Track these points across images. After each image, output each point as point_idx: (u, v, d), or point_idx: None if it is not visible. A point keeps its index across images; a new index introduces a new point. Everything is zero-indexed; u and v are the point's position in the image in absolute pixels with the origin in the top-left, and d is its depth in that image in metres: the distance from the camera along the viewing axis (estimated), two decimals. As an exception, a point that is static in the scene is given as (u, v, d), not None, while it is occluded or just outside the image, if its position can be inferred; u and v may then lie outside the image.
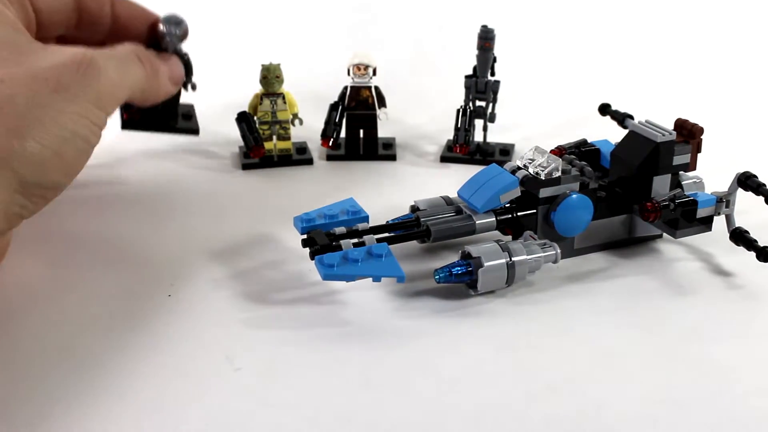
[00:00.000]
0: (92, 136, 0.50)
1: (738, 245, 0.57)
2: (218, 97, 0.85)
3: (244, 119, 0.70)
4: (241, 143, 0.72)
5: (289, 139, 0.72)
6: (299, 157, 0.74)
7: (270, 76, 0.70)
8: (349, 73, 0.73)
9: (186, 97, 0.66)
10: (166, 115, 0.66)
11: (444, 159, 0.75)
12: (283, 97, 0.71)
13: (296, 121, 0.73)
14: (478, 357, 0.49)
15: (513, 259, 0.53)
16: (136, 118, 0.65)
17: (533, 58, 0.97)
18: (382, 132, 0.76)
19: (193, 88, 0.65)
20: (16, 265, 0.57)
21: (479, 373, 0.47)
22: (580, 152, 0.63)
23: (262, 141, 0.71)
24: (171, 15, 0.61)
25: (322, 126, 0.74)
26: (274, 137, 0.72)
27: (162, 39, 0.60)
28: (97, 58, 0.51)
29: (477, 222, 0.56)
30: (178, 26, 0.61)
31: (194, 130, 0.69)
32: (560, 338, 0.50)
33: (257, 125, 0.71)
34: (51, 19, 0.57)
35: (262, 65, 0.70)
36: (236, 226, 0.62)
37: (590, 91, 0.84)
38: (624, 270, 0.58)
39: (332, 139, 0.73)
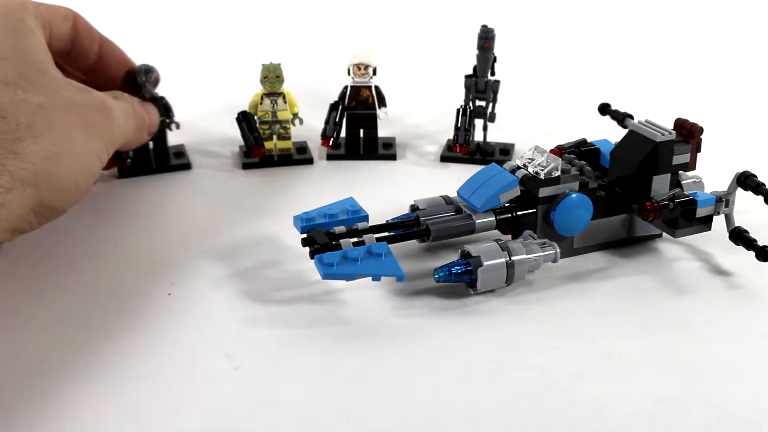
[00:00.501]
0: (98, 173, 0.56)
1: (737, 245, 0.57)
2: (218, 96, 0.85)
3: (244, 119, 0.71)
4: (242, 143, 0.72)
5: (289, 138, 0.73)
6: (299, 156, 0.74)
7: (270, 76, 0.70)
8: (349, 73, 0.73)
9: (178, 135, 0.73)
10: (159, 157, 0.72)
11: (444, 159, 0.75)
12: (284, 97, 0.71)
13: (296, 121, 0.73)
14: (478, 356, 0.49)
15: (512, 258, 0.53)
16: (128, 167, 0.71)
17: (533, 58, 0.97)
18: (382, 132, 0.76)
19: (177, 126, 0.71)
20: (15, 263, 0.57)
21: (479, 372, 0.48)
22: (580, 152, 0.63)
23: (263, 140, 0.71)
24: (143, 65, 0.68)
25: (322, 126, 0.74)
26: (275, 137, 0.72)
27: (141, 88, 0.67)
28: (113, 107, 0.58)
29: (476, 221, 0.56)
30: (150, 74, 0.68)
31: (187, 165, 0.73)
32: (559, 337, 0.51)
33: (257, 125, 0.71)
34: (53, 46, 0.59)
35: (263, 65, 0.70)
36: (236, 226, 0.62)
37: (590, 90, 0.84)
38: (623, 269, 0.58)
39: (332, 139, 0.73)
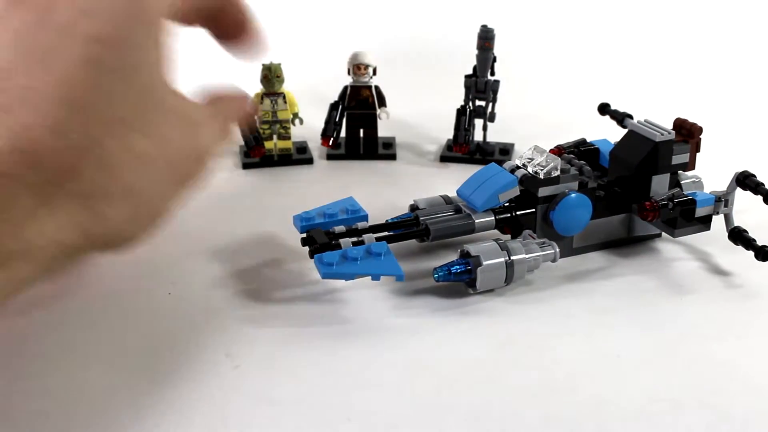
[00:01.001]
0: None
1: (736, 244, 0.57)
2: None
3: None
4: (242, 142, 0.72)
5: (289, 138, 0.73)
6: (299, 156, 0.74)
7: (271, 76, 0.71)
8: (349, 73, 0.73)
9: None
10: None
11: (444, 158, 0.75)
12: (284, 97, 0.71)
13: (296, 121, 0.73)
14: (477, 356, 0.49)
15: (512, 258, 0.53)
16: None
17: (533, 58, 0.97)
18: (382, 131, 0.76)
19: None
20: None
21: (478, 372, 0.48)
22: (579, 151, 0.63)
23: (263, 140, 0.71)
24: None
25: (322, 125, 0.74)
26: (275, 137, 0.73)
27: None
28: (208, 156, 0.51)
29: (476, 221, 0.56)
30: None
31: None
32: (559, 337, 0.51)
33: (258, 124, 0.71)
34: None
35: (263, 65, 0.71)
36: (236, 225, 0.62)
37: (590, 90, 0.84)
38: (623, 269, 0.58)
39: (332, 139, 0.73)
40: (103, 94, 0.44)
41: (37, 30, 0.45)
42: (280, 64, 0.71)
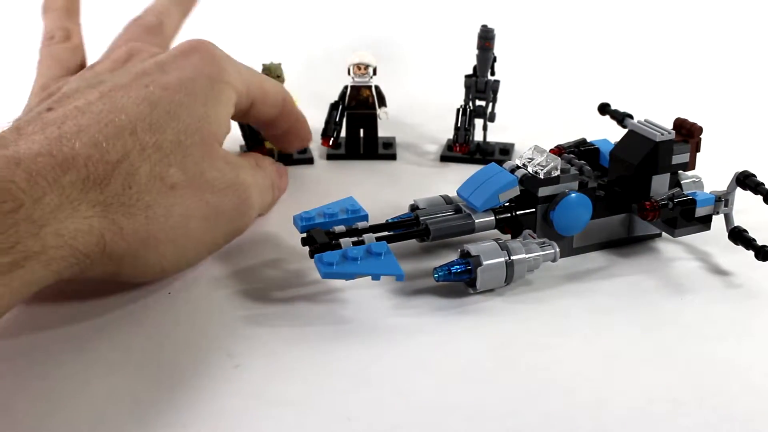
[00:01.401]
0: (198, 262, 0.55)
1: (737, 244, 0.57)
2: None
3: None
4: (242, 142, 0.72)
5: None
6: (300, 156, 0.74)
7: (271, 76, 0.70)
8: (349, 73, 0.73)
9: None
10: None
11: (444, 158, 0.75)
12: None
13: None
14: (477, 355, 0.49)
15: (512, 257, 0.53)
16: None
17: (533, 58, 0.97)
18: (382, 131, 0.76)
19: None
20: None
21: (478, 372, 0.48)
22: (580, 151, 0.63)
23: (263, 140, 0.71)
24: None
25: (322, 126, 0.74)
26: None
27: None
28: (253, 196, 0.56)
29: (476, 221, 0.56)
30: None
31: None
32: (559, 337, 0.51)
33: None
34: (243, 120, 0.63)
35: (263, 65, 0.70)
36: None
37: (590, 90, 0.84)
38: (623, 269, 0.58)
39: (333, 139, 0.73)
40: (149, 125, 0.49)
41: (116, 72, 0.53)
42: (280, 64, 0.70)
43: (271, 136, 0.66)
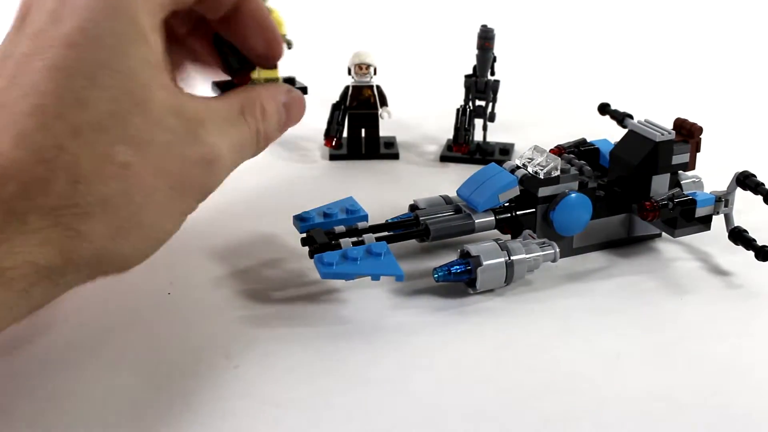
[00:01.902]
0: (176, 230, 0.45)
1: (737, 244, 0.57)
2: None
3: (225, 40, 0.52)
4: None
5: (276, 67, 0.55)
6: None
7: None
8: (350, 73, 0.73)
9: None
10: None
11: (444, 158, 0.75)
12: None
13: (285, 46, 0.54)
14: (477, 356, 0.49)
15: (512, 258, 0.53)
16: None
17: (533, 58, 0.97)
18: (382, 131, 0.76)
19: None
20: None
21: (478, 372, 0.48)
22: (579, 151, 0.63)
23: (246, 61, 0.52)
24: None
25: (324, 126, 0.74)
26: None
27: None
28: (222, 152, 0.45)
29: (476, 221, 0.56)
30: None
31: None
32: (559, 337, 0.51)
33: None
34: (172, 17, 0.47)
35: None
36: (236, 225, 0.62)
37: (590, 90, 0.84)
38: (623, 269, 0.58)
39: (335, 139, 0.73)
40: (74, 100, 0.40)
41: (13, 41, 0.43)
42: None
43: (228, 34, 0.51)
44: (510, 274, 0.53)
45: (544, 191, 0.56)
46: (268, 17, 0.51)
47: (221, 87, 0.54)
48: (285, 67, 0.72)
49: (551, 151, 0.61)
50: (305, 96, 0.54)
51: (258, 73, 0.55)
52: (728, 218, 0.58)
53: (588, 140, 0.64)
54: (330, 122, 0.74)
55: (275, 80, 0.56)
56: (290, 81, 0.55)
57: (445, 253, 0.59)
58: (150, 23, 0.43)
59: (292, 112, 0.52)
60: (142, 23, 0.42)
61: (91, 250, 0.41)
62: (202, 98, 0.46)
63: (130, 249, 0.43)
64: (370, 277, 0.52)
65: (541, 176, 0.56)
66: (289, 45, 0.61)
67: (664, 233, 0.60)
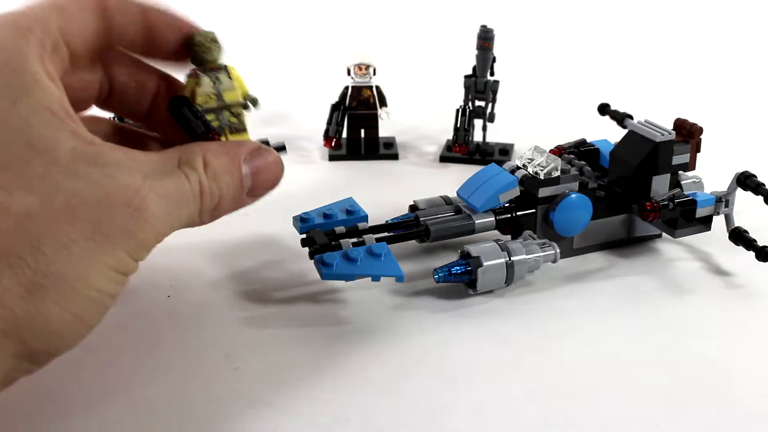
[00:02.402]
0: (119, 290, 0.40)
1: (737, 245, 0.57)
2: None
3: (183, 104, 0.48)
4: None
5: (245, 130, 0.51)
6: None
7: (205, 41, 0.48)
8: (349, 73, 0.73)
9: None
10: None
11: (443, 159, 0.75)
12: (227, 72, 0.50)
13: (251, 105, 0.51)
14: (477, 356, 0.49)
15: (512, 258, 0.53)
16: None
17: (533, 58, 0.97)
18: (382, 132, 0.76)
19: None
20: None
21: (478, 373, 0.47)
22: (580, 152, 0.63)
23: (211, 124, 0.49)
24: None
25: (323, 127, 0.74)
26: (225, 130, 0.50)
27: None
28: (150, 200, 0.40)
29: (476, 221, 0.56)
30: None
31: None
32: (559, 338, 0.50)
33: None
34: (80, 46, 0.44)
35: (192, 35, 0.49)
36: (235, 226, 0.62)
37: (590, 90, 0.84)
38: (623, 270, 0.58)
39: (335, 140, 0.73)
40: None
41: None
42: (213, 32, 0.49)
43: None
44: (510, 274, 0.53)
45: (544, 192, 0.56)
46: (173, 13, 0.48)
47: None
48: (286, 66, 0.72)
49: (551, 151, 0.61)
50: (284, 154, 0.51)
51: (226, 138, 0.50)
52: (728, 219, 0.58)
53: (588, 140, 0.64)
54: (329, 123, 0.74)
55: None
56: (264, 143, 0.51)
57: (445, 253, 0.59)
58: (46, 70, 0.40)
59: (262, 175, 0.47)
60: (36, 71, 0.40)
61: (7, 316, 0.36)
62: (130, 150, 0.42)
63: (54, 309, 0.38)
64: (370, 278, 0.52)
65: (541, 177, 0.56)
66: (254, 103, 0.51)
67: (664, 234, 0.60)
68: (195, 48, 0.48)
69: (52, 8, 0.42)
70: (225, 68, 0.49)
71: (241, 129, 0.51)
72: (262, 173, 0.47)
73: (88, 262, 0.38)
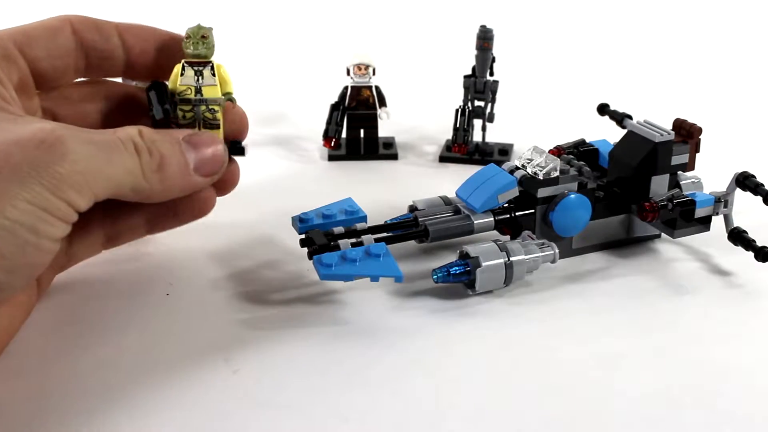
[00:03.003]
0: (45, 227, 0.41)
1: (736, 245, 0.57)
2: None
3: (154, 87, 0.51)
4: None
5: (218, 127, 0.52)
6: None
7: (194, 37, 0.51)
8: (348, 73, 0.73)
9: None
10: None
11: (443, 159, 0.75)
12: (213, 68, 0.51)
13: (227, 101, 0.52)
14: (477, 357, 0.49)
15: (511, 259, 0.53)
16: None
17: (532, 59, 0.97)
18: (381, 132, 0.76)
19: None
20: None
21: (477, 373, 0.47)
22: (579, 152, 0.63)
23: (171, 114, 0.51)
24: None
25: (323, 127, 0.74)
26: (199, 123, 0.52)
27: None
28: (68, 138, 0.42)
29: (475, 222, 0.56)
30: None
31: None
32: (558, 338, 0.50)
33: (178, 105, 0.51)
34: (54, 66, 0.49)
35: (189, 27, 0.52)
36: (235, 226, 0.62)
37: (589, 91, 0.84)
38: (622, 270, 0.58)
39: (334, 140, 0.73)
40: None
41: None
42: (211, 27, 0.52)
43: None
44: (509, 275, 0.53)
45: (543, 192, 0.56)
46: (152, 28, 0.53)
47: None
48: (286, 66, 0.72)
49: (550, 151, 0.61)
50: (242, 156, 0.53)
51: (199, 129, 0.52)
52: (728, 219, 0.58)
53: (587, 141, 0.64)
54: (329, 123, 0.74)
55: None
56: (236, 143, 0.53)
57: (444, 254, 0.59)
58: None
59: (204, 152, 0.49)
60: None
61: None
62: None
63: None
64: (369, 279, 0.52)
65: (541, 177, 0.56)
66: (231, 100, 0.53)
67: (663, 234, 0.60)
68: (185, 41, 0.51)
69: (13, 31, 0.48)
70: (212, 66, 0.51)
71: (214, 125, 0.52)
72: (202, 150, 0.49)
73: None
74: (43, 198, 0.40)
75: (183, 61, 0.51)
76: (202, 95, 0.51)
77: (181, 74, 0.51)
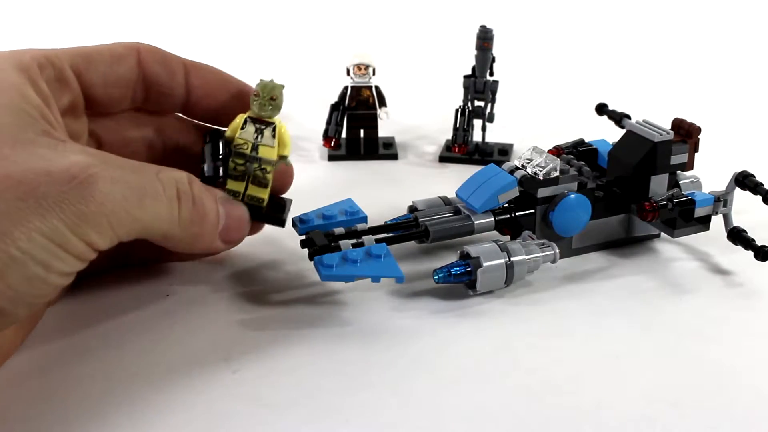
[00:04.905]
0: (57, 263, 0.40)
1: (736, 244, 0.57)
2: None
3: (212, 139, 0.52)
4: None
5: (267, 186, 0.51)
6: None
7: (263, 97, 0.50)
8: (348, 73, 0.73)
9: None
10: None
11: (442, 159, 0.75)
12: (274, 130, 0.51)
13: (281, 163, 0.52)
14: (477, 357, 0.49)
15: (512, 259, 0.53)
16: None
17: (532, 59, 0.97)
18: (381, 132, 0.76)
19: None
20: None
21: (478, 373, 0.48)
22: (578, 152, 0.63)
23: (220, 173, 0.51)
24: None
25: (323, 127, 0.74)
26: (248, 178, 0.51)
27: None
28: (100, 177, 0.41)
29: (475, 222, 0.56)
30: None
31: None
32: (559, 338, 0.51)
33: (231, 157, 0.51)
34: (109, 94, 0.49)
35: (261, 80, 0.51)
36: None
37: (588, 90, 0.84)
38: (622, 269, 0.58)
39: (334, 140, 0.74)
40: None
41: None
42: (282, 86, 0.51)
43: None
44: (510, 275, 0.53)
45: (543, 192, 0.56)
46: (219, 72, 0.53)
47: None
48: (286, 66, 0.72)
49: (550, 151, 0.61)
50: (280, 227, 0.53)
51: (244, 187, 0.51)
52: (727, 218, 0.58)
53: (586, 141, 0.64)
54: (329, 123, 0.74)
55: (260, 201, 0.52)
56: (277, 211, 0.53)
57: (444, 254, 0.59)
58: (34, 86, 0.44)
59: (232, 219, 0.50)
60: (19, 82, 0.43)
61: None
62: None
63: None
64: (370, 279, 0.52)
65: (540, 177, 0.56)
66: (285, 161, 0.52)
67: (663, 233, 0.60)
68: (253, 97, 0.51)
69: (76, 52, 0.48)
70: (273, 127, 0.51)
71: (263, 184, 0.52)
72: (231, 216, 0.50)
73: (12, 219, 0.38)
74: (60, 234, 0.40)
75: (247, 115, 0.51)
76: (257, 153, 0.51)
77: (242, 128, 0.51)
